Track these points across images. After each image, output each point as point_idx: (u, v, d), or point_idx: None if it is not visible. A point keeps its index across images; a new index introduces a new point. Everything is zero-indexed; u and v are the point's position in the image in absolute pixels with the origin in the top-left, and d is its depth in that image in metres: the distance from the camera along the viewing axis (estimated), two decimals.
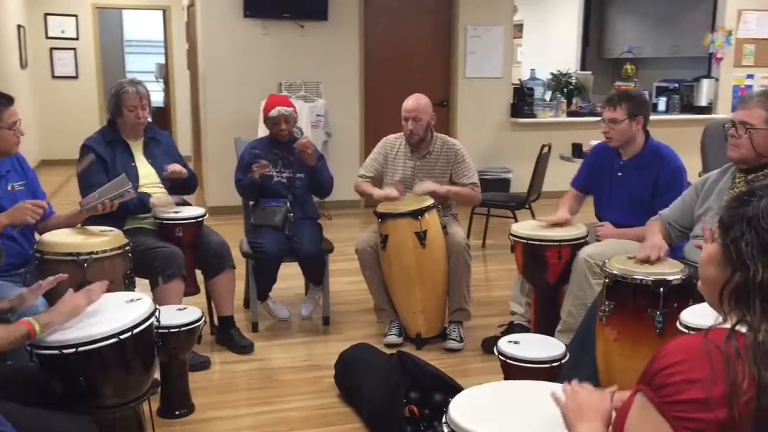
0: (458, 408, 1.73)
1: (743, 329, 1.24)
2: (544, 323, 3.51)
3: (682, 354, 1.23)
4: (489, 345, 3.75)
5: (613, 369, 2.71)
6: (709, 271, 1.36)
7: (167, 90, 10.97)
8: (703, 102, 8.01)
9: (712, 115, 7.98)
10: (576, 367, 2.84)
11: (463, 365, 3.62)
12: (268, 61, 6.93)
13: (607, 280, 2.69)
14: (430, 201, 3.73)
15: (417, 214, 3.63)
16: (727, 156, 2.82)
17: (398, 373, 2.88)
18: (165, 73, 11.04)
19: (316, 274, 4.07)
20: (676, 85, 8.40)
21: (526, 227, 3.52)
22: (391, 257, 3.71)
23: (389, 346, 3.74)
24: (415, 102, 3.93)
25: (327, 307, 4.14)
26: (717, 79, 8.11)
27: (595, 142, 5.40)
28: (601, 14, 10.32)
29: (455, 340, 3.78)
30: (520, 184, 7.41)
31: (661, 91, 8.32)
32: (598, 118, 7.57)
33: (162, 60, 11.24)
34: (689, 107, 8.13)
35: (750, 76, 8.24)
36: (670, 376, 1.22)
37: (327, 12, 6.96)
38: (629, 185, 3.50)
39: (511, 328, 3.77)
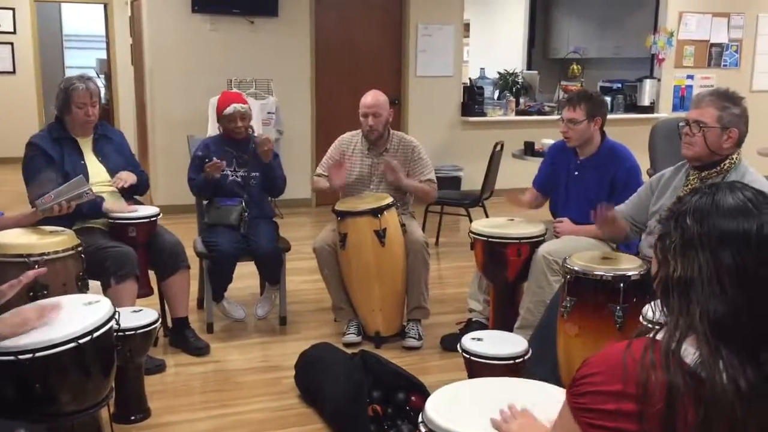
0: (435, 407, 1.72)
1: (660, 336, 1.24)
2: (503, 320, 3.54)
3: (600, 365, 1.25)
4: (448, 342, 3.76)
5: (574, 364, 2.73)
6: (654, 267, 1.36)
7: (109, 86, 10.68)
8: (646, 102, 8.22)
9: (655, 115, 8.21)
10: (537, 363, 2.87)
11: (423, 363, 3.62)
12: (218, 58, 6.81)
13: (568, 276, 2.72)
14: (389, 199, 3.72)
15: (376, 212, 3.62)
16: (681, 154, 2.88)
17: (361, 372, 2.86)
18: (107, 69, 10.74)
19: (272, 274, 4.01)
20: (620, 85, 8.60)
21: (485, 225, 3.55)
22: (350, 256, 3.69)
23: (348, 345, 3.72)
24: (374, 98, 3.91)
25: (284, 307, 4.09)
26: (659, 80, 8.33)
27: (547, 141, 5.51)
28: (547, 15, 10.49)
29: (414, 338, 3.77)
30: (471, 182, 7.48)
31: (604, 91, 8.48)
32: (547, 117, 7.81)
33: (103, 55, 10.93)
34: (633, 107, 8.33)
35: (690, 77, 8.49)
36: (583, 386, 1.25)
37: (277, 8, 6.88)
38: (586, 184, 3.55)
39: (470, 325, 3.79)
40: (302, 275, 4.90)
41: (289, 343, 3.85)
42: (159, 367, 3.46)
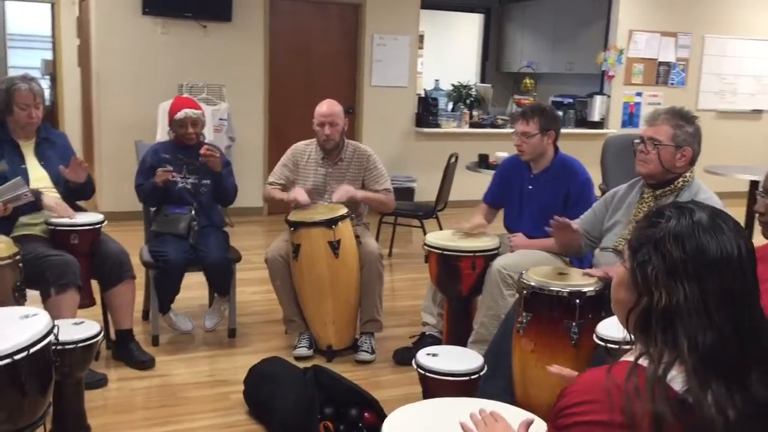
0: (392, 428, 1.66)
1: (644, 362, 1.21)
2: (457, 334, 3.50)
3: (583, 394, 1.20)
4: (401, 356, 3.72)
5: (529, 380, 2.72)
6: (620, 294, 1.31)
7: (54, 88, 10.36)
8: (596, 117, 8.35)
9: (604, 130, 8.34)
10: (491, 378, 2.85)
11: (375, 377, 3.56)
12: (168, 62, 6.65)
13: (524, 292, 2.70)
14: (344, 210, 3.66)
15: (330, 223, 3.55)
16: (636, 171, 2.90)
17: (313, 387, 2.79)
18: (52, 70, 10.42)
19: (222, 284, 3.90)
20: (571, 100, 8.72)
21: (440, 237, 3.51)
22: (303, 267, 3.61)
23: (299, 358, 3.63)
24: (330, 107, 3.85)
25: (233, 319, 3.98)
26: (609, 96, 8.48)
27: (501, 154, 5.53)
28: (500, 29, 10.59)
29: (367, 351, 3.71)
30: (424, 193, 7.47)
31: (556, 106, 8.58)
32: (500, 130, 7.86)
33: (49, 56, 10.60)
34: (583, 122, 8.45)
35: (639, 94, 8.66)
36: (569, 417, 1.20)
37: (231, 13, 6.76)
38: (540, 198, 3.55)
39: (423, 339, 3.75)
40: (252, 286, 4.80)
41: (238, 357, 3.75)
42: (100, 382, 3.31)
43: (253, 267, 5.00)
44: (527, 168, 3.63)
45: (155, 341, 3.82)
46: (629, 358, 1.25)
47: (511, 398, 2.71)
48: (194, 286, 4.22)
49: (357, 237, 3.71)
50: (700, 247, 1.19)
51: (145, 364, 3.53)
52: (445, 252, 3.39)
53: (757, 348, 1.17)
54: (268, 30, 7.02)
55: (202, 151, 3.78)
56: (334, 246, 3.56)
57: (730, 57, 9.07)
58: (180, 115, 3.81)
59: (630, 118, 8.65)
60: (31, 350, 1.96)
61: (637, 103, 8.67)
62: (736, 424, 1.13)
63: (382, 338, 3.90)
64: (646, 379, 1.16)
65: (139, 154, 4.16)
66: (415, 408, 1.82)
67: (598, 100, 8.35)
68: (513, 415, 1.74)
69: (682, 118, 2.80)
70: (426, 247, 3.50)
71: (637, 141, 2.89)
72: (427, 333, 3.76)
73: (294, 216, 3.67)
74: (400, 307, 4.67)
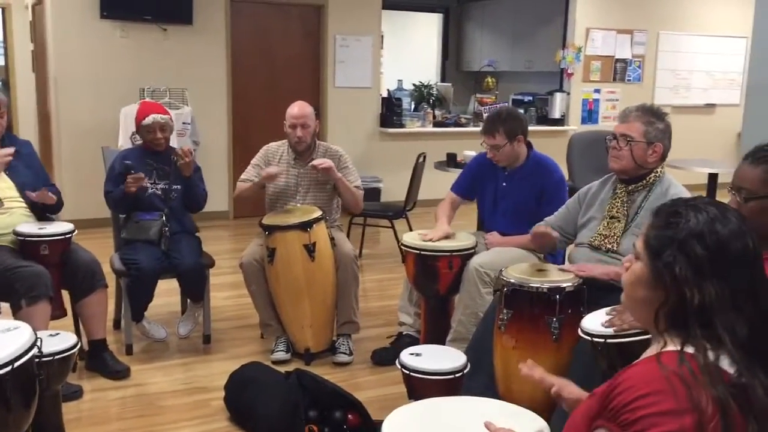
0: (392, 428, 1.66)
1: (690, 350, 1.23)
2: (435, 333, 3.53)
3: (644, 386, 1.20)
4: (379, 357, 3.73)
5: (511, 376, 2.74)
6: (639, 292, 1.34)
7: (8, 94, 10.11)
8: (556, 114, 8.47)
9: (565, 127, 8.47)
10: (473, 375, 2.87)
11: (354, 379, 3.56)
12: (128, 66, 6.54)
13: (505, 289, 2.73)
14: (318, 212, 3.65)
15: (306, 225, 3.54)
16: (609, 167, 2.95)
17: (297, 391, 2.78)
18: (5, 76, 10.17)
19: (196, 291, 3.86)
20: (531, 98, 8.83)
21: (416, 237, 3.52)
22: (279, 271, 3.59)
23: (276, 362, 3.61)
24: (301, 109, 3.84)
25: (208, 325, 3.94)
26: (568, 93, 8.61)
27: (469, 152, 5.57)
28: (459, 29, 10.68)
29: (345, 353, 3.71)
30: (390, 193, 7.49)
31: (517, 104, 8.70)
32: (464, 129, 7.91)
33: (0, 61, 10.35)
34: (544, 119, 8.57)
35: (597, 91, 8.82)
36: (635, 411, 1.19)
37: (192, 16, 6.68)
38: (515, 195, 3.60)
39: (400, 339, 3.77)
40: (223, 291, 4.75)
41: (214, 363, 3.71)
42: (76, 394, 3.25)
43: (223, 272, 4.96)
44: (502, 167, 3.66)
45: (129, 350, 3.76)
46: (652, 352, 1.28)
47: (493, 395, 2.74)
48: (165, 293, 4.16)
49: (332, 239, 3.71)
50: (720, 243, 1.24)
51: (120, 373, 3.47)
52: (422, 252, 3.41)
53: None
54: (230, 32, 6.96)
55: (174, 155, 3.74)
56: (310, 249, 3.55)
57: (684, 53, 9.30)
58: (148, 120, 3.76)
59: (589, 114, 8.80)
60: (15, 364, 1.92)
61: (596, 100, 8.83)
62: None
63: (358, 339, 3.91)
64: (699, 366, 1.19)
65: (106, 160, 4.09)
66: (413, 408, 1.83)
67: (558, 97, 8.48)
68: (521, 418, 1.75)
69: (653, 114, 2.86)
70: (403, 248, 3.52)
71: (609, 138, 2.94)
72: (404, 333, 3.78)
73: (268, 220, 3.65)
74: (373, 307, 4.68)
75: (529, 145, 3.67)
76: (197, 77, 6.80)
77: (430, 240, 3.45)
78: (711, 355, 1.20)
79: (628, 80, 8.98)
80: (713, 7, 9.34)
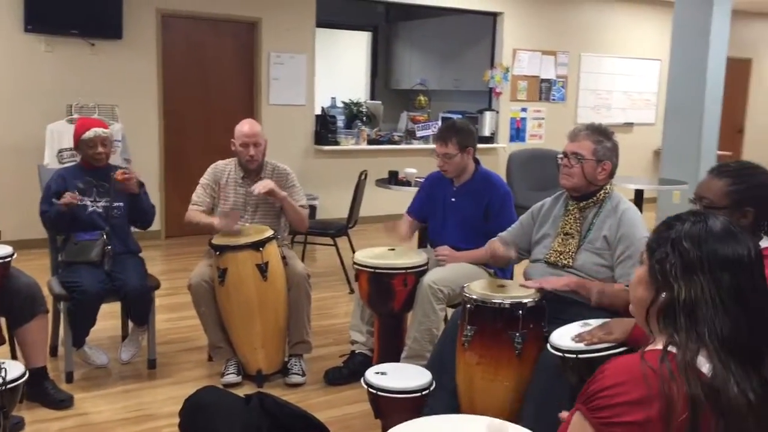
0: None
1: (674, 350, 1.30)
2: (389, 351, 3.52)
3: (621, 376, 1.27)
4: (332, 376, 3.70)
5: (475, 392, 2.78)
6: (639, 292, 1.42)
7: None
8: (486, 132, 8.66)
9: (494, 145, 8.68)
10: (434, 392, 2.88)
11: (308, 400, 3.51)
12: (55, 81, 6.30)
13: (468, 306, 2.76)
14: (270, 231, 3.60)
15: (258, 245, 3.49)
16: (560, 184, 3.03)
17: (259, 415, 2.71)
18: None
19: (141, 314, 3.73)
20: (460, 116, 8.98)
21: (369, 255, 3.52)
22: (230, 291, 3.52)
23: (228, 386, 3.53)
24: (252, 127, 3.79)
25: (153, 349, 3.81)
26: (497, 112, 8.82)
27: (410, 170, 5.63)
28: (388, 47, 10.79)
29: (298, 374, 3.66)
30: (326, 210, 7.48)
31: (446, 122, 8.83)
32: (398, 146, 7.98)
33: None
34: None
35: (524, 110, 9.09)
36: (609, 398, 1.26)
37: (121, 30, 6.50)
38: (463, 210, 3.66)
39: (353, 357, 3.75)
40: (164, 313, 4.61)
41: (162, 389, 3.59)
42: (17, 426, 3.08)
43: (160, 293, 4.80)
44: (450, 181, 3.72)
45: (69, 378, 3.60)
46: (655, 347, 1.34)
47: (455, 411, 2.76)
48: (104, 317, 3.98)
49: (283, 258, 3.66)
50: (713, 247, 1.32)
51: (63, 403, 3.31)
52: (377, 270, 3.41)
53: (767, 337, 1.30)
54: (161, 47, 6.81)
55: (118, 178, 3.63)
56: (262, 268, 3.49)
57: (604, 74, 9.71)
58: (89, 134, 3.63)
59: (517, 132, 9.05)
60: None
61: (523, 119, 9.08)
62: (756, 405, 1.24)
63: (309, 359, 3.86)
64: (677, 364, 1.26)
65: (42, 179, 3.93)
66: (405, 427, 1.82)
67: (488, 115, 8.68)
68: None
69: (601, 134, 2.97)
70: (356, 266, 3.50)
71: (560, 156, 3.02)
72: (357, 351, 3.76)
73: (218, 239, 3.57)
74: (319, 326, 4.62)
75: (476, 161, 3.74)
76: (128, 93, 6.61)
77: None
78: (690, 355, 1.27)
79: (553, 100, 9.29)
80: (630, 31, 9.80)
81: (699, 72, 7.34)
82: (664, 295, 1.34)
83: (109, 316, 4.05)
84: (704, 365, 1.27)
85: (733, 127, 10.59)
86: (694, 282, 1.30)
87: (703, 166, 7.53)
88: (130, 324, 3.94)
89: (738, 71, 9.95)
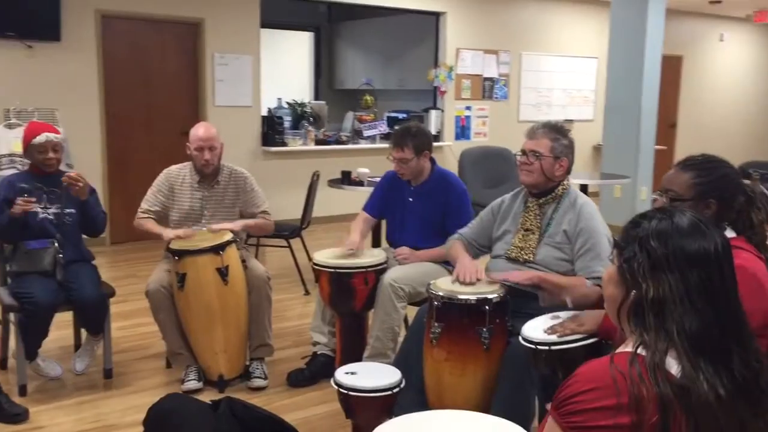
0: None
1: (643, 352, 1.31)
2: (351, 351, 3.53)
3: (590, 382, 1.28)
4: (295, 378, 3.69)
5: (443, 388, 2.81)
6: (609, 290, 1.44)
7: None
8: (432, 131, 8.72)
9: (441, 143, 8.76)
10: (402, 390, 2.90)
11: (272, 403, 3.49)
12: None
13: (435, 303, 2.79)
14: (230, 235, 3.56)
15: (218, 249, 3.45)
16: (520, 181, 3.09)
17: (229, 421, 2.68)
18: None
19: (96, 323, 3.64)
20: (405, 115, 9.05)
21: (328, 256, 3.52)
22: (190, 297, 3.46)
23: (189, 392, 3.47)
24: (207, 131, 3.74)
25: (109, 358, 3.72)
26: (442, 110, 8.91)
27: (363, 170, 5.64)
28: (331, 48, 10.77)
29: (260, 377, 3.63)
30: (276, 212, 7.36)
31: (392, 121, 8.85)
32: (346, 147, 7.98)
33: None
34: None
35: (468, 108, 9.21)
36: (578, 404, 1.27)
37: (60, 32, 6.31)
38: (421, 210, 3.69)
39: (316, 359, 3.74)
40: (116, 321, 4.47)
41: (120, 398, 3.51)
42: None
43: (111, 301, 4.70)
44: (407, 182, 3.75)
45: (22, 391, 3.48)
46: (626, 348, 1.36)
47: (423, 408, 2.79)
48: (55, 327, 3.87)
49: (243, 261, 3.63)
50: (679, 243, 1.33)
51: (18, 417, 3.21)
52: (337, 270, 3.41)
53: (737, 333, 1.33)
54: (101, 50, 6.64)
55: (64, 181, 3.53)
56: (223, 272, 3.45)
57: (544, 72, 9.92)
58: (40, 139, 3.53)
59: (462, 130, 9.16)
60: None
61: (468, 117, 9.20)
62: (726, 401, 1.27)
63: (271, 362, 3.83)
64: (647, 366, 1.27)
65: None
66: (394, 423, 1.83)
67: (434, 114, 8.76)
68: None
69: (558, 132, 3.04)
70: (316, 267, 3.50)
71: (518, 154, 3.08)
72: (319, 352, 3.75)
73: (177, 244, 3.51)
74: (278, 328, 4.59)
75: (432, 161, 3.78)
76: (68, 97, 6.43)
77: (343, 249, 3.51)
78: (658, 356, 1.28)
79: (496, 98, 9.44)
80: (569, 30, 10.04)
81: (636, 70, 7.58)
82: (633, 294, 1.35)
83: (60, 326, 3.93)
84: (673, 366, 1.28)
85: (666, 122, 10.95)
86: (662, 280, 1.31)
87: (642, 160, 7.79)
88: (83, 333, 3.84)
89: (670, 68, 10.29)
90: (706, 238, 1.34)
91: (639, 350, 1.31)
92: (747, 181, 2.87)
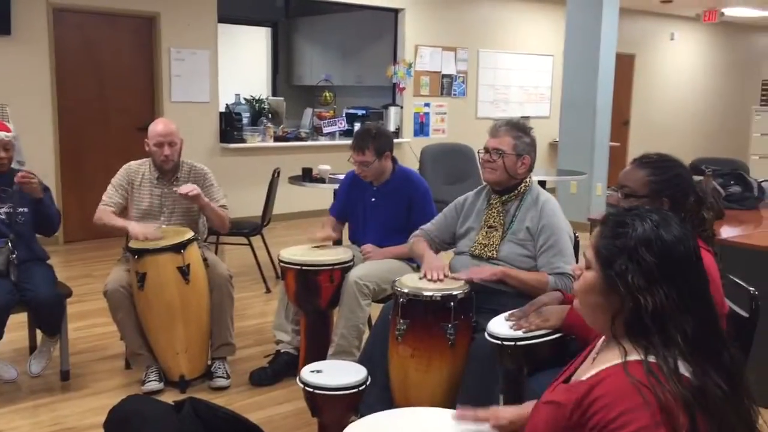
0: None
1: (652, 359, 1.30)
2: (316, 348, 3.51)
3: (620, 403, 1.24)
4: (258, 377, 3.66)
5: (409, 384, 2.82)
6: (591, 299, 1.41)
7: None
8: (391, 127, 8.73)
9: (400, 140, 8.77)
10: (368, 386, 2.91)
11: (234, 403, 3.45)
12: None
13: (401, 300, 2.80)
14: (190, 233, 3.52)
15: (179, 247, 3.40)
16: (483, 178, 3.12)
17: (193, 422, 2.65)
18: None
19: (52, 324, 3.56)
20: (364, 111, 9.04)
21: (294, 253, 3.49)
22: (150, 296, 3.41)
23: (149, 393, 3.42)
24: (166, 126, 3.69)
25: (66, 360, 3.64)
26: (401, 107, 8.93)
27: (324, 167, 5.62)
28: (289, 43, 10.69)
29: (222, 377, 3.59)
30: (235, 209, 7.29)
31: (351, 117, 8.84)
32: (305, 143, 7.94)
33: None
34: None
35: (427, 105, 9.24)
36: (617, 429, 1.23)
37: (10, 26, 6.13)
38: (384, 211, 3.69)
39: (279, 357, 3.72)
40: (72, 322, 4.38)
41: (79, 400, 3.44)
42: None
43: (67, 301, 4.60)
44: (369, 183, 3.74)
45: None
46: (610, 357, 1.35)
47: (388, 405, 2.79)
48: (9, 328, 3.78)
49: (204, 260, 3.59)
50: (666, 248, 1.34)
51: None
52: (303, 267, 3.39)
53: (719, 329, 1.36)
54: (53, 44, 6.48)
55: (17, 180, 3.44)
56: (184, 271, 3.41)
57: (501, 69, 10.01)
58: None
59: (421, 127, 9.19)
60: None
61: (426, 113, 9.24)
62: (731, 396, 1.29)
63: (232, 361, 3.80)
64: (664, 374, 1.27)
65: None
66: (369, 420, 1.83)
67: (393, 111, 8.77)
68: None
69: (520, 129, 3.07)
70: (282, 264, 3.47)
71: (481, 152, 3.11)
72: (282, 351, 3.73)
73: (137, 243, 3.45)
74: (239, 327, 4.54)
75: (394, 160, 3.78)
76: (18, 92, 6.26)
77: (312, 239, 3.55)
78: (671, 362, 1.28)
79: (454, 95, 9.49)
80: (525, 28, 10.16)
81: (591, 67, 7.71)
82: (630, 306, 1.33)
83: (14, 327, 3.82)
84: (684, 370, 1.29)
85: (620, 119, 11.16)
86: (657, 291, 1.31)
87: (597, 156, 7.93)
88: (39, 334, 3.75)
89: (623, 66, 10.49)
90: (687, 238, 1.35)
91: (649, 358, 1.30)
92: (699, 177, 2.95)
